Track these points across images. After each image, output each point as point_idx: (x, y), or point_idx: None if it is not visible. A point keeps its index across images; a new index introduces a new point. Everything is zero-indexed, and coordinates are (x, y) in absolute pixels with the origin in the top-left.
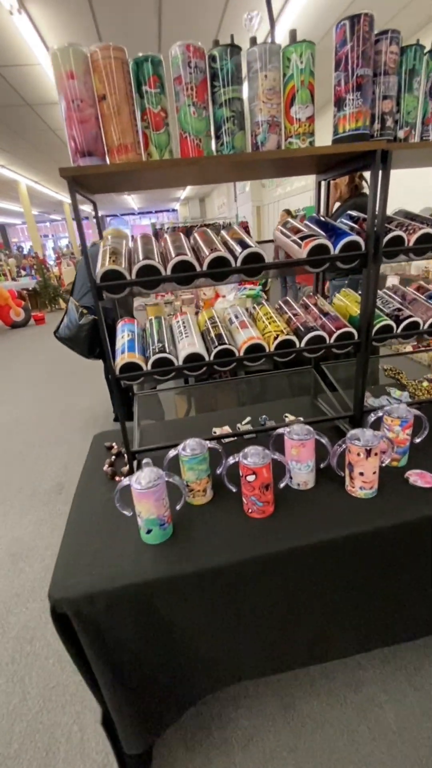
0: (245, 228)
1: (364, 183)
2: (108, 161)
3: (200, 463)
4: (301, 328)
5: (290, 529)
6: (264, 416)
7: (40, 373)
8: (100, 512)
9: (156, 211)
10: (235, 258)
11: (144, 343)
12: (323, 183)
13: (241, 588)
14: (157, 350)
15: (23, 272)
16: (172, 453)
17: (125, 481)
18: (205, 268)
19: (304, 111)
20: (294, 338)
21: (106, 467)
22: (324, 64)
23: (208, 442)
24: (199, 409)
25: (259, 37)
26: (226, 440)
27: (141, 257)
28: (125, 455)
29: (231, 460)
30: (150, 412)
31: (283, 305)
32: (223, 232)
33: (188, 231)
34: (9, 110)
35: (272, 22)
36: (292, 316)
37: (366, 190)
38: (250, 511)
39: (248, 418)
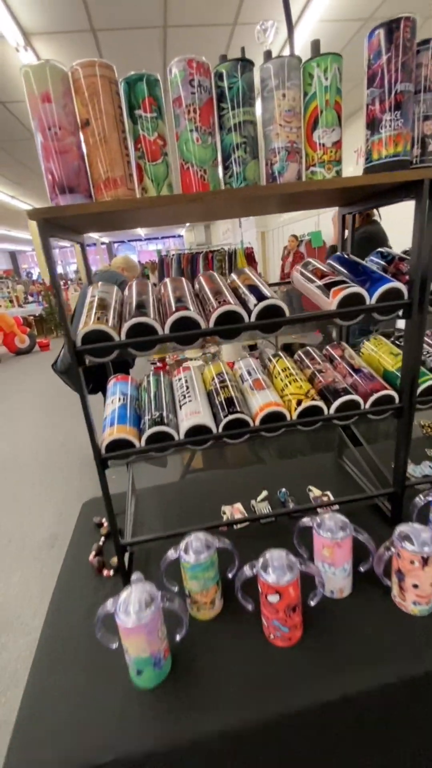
0: (250, 255)
1: (374, 209)
2: (94, 198)
3: (206, 570)
4: (329, 389)
5: (325, 665)
6: (283, 491)
7: (40, 403)
8: (79, 629)
9: (162, 237)
10: (249, 311)
11: (139, 408)
12: (348, 216)
13: (260, 758)
14: (153, 421)
15: (30, 298)
16: (171, 554)
17: (109, 605)
18: (212, 325)
19: (329, 135)
20: (321, 403)
21: (92, 556)
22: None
23: (216, 540)
24: (206, 462)
25: (272, 51)
26: (239, 525)
27: (134, 310)
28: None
29: (247, 571)
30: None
31: (303, 357)
32: (233, 276)
33: (193, 258)
34: (18, 144)
35: (291, 31)
36: (316, 373)
37: (377, 217)
38: (271, 636)
39: (264, 493)
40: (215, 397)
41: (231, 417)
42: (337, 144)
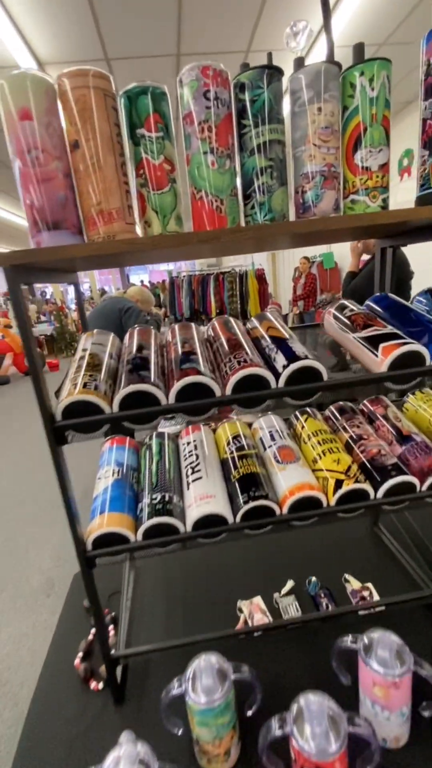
0: (261, 276)
1: None
2: (85, 235)
3: (220, 714)
4: (375, 464)
5: None
6: (314, 581)
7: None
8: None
9: None
10: (277, 374)
11: (137, 484)
12: (389, 251)
13: None
14: (153, 508)
15: (43, 318)
16: (174, 688)
17: None
18: (229, 391)
19: (375, 157)
20: (366, 486)
21: (78, 661)
22: None
23: (232, 668)
24: None
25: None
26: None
27: (131, 372)
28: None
29: (275, 728)
30: None
31: (337, 415)
32: (254, 322)
33: (204, 279)
34: None
35: (329, 33)
36: (354, 439)
37: None
38: None
39: (290, 584)
40: (231, 469)
41: (253, 504)
42: (385, 167)
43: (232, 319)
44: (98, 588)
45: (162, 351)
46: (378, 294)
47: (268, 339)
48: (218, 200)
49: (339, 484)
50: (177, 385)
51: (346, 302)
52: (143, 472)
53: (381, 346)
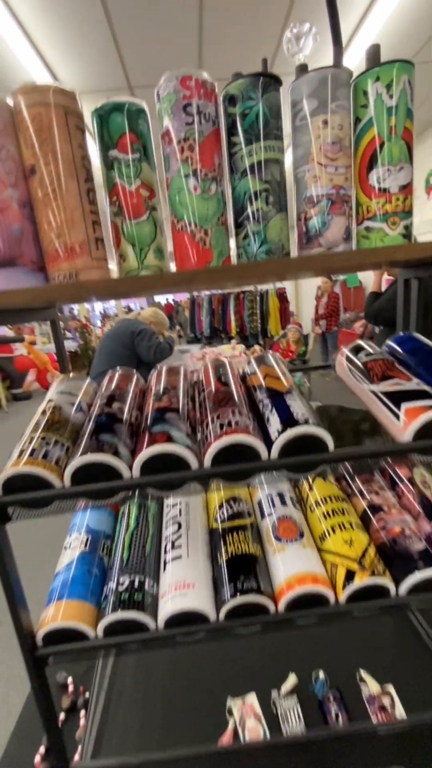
0: (282, 295)
1: None
2: (47, 273)
3: None
4: (397, 550)
5: None
6: (321, 678)
7: None
8: None
9: None
10: (270, 441)
11: (108, 557)
12: (414, 282)
13: None
14: (118, 598)
15: (68, 334)
16: None
17: None
18: (208, 463)
19: (395, 176)
20: (386, 581)
21: (38, 759)
22: None
23: None
24: None
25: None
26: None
27: (87, 438)
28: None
29: None
30: None
31: (351, 472)
32: (253, 366)
33: (224, 299)
34: None
35: (336, 34)
36: (373, 509)
37: None
38: None
39: (291, 680)
40: (220, 546)
41: (240, 600)
42: (407, 188)
43: (227, 362)
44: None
45: (139, 401)
46: (402, 334)
47: (264, 391)
48: (202, 230)
49: (350, 575)
50: (142, 455)
51: (362, 343)
52: (117, 540)
53: (404, 406)
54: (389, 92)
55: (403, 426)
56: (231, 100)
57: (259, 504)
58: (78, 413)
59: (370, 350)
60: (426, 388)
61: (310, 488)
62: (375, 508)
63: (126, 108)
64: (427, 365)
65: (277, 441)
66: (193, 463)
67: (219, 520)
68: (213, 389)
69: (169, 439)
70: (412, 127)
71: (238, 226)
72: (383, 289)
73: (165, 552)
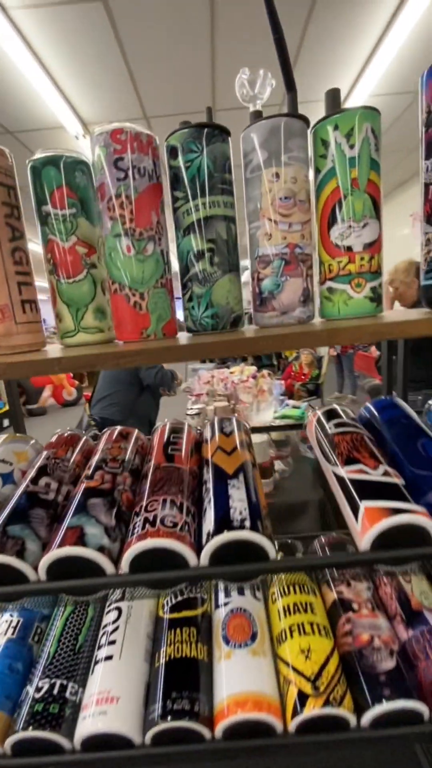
0: None
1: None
2: None
3: None
4: (363, 667)
5: None
6: None
7: None
8: None
9: None
10: (199, 547)
11: (37, 645)
12: (396, 359)
13: None
14: (31, 709)
15: None
16: None
17: None
18: (125, 567)
19: (358, 233)
20: (342, 712)
21: None
22: None
23: None
24: None
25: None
26: None
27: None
28: None
29: None
30: None
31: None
32: (209, 431)
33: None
34: None
35: (289, 79)
36: (342, 605)
37: None
38: None
39: None
40: (161, 644)
41: (168, 726)
42: (373, 246)
43: (187, 424)
44: None
45: (80, 471)
46: (383, 398)
47: (210, 469)
48: (137, 294)
49: (302, 699)
50: (47, 558)
51: (337, 408)
52: (51, 625)
53: (364, 505)
54: (350, 142)
55: (361, 530)
56: (172, 151)
57: (216, 588)
58: (6, 487)
59: (344, 418)
60: (392, 480)
61: (279, 581)
62: (344, 604)
63: (62, 161)
64: (402, 443)
65: (205, 548)
66: (108, 568)
67: (167, 606)
68: (154, 464)
69: (82, 536)
70: (379, 179)
71: (184, 286)
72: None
73: (98, 647)
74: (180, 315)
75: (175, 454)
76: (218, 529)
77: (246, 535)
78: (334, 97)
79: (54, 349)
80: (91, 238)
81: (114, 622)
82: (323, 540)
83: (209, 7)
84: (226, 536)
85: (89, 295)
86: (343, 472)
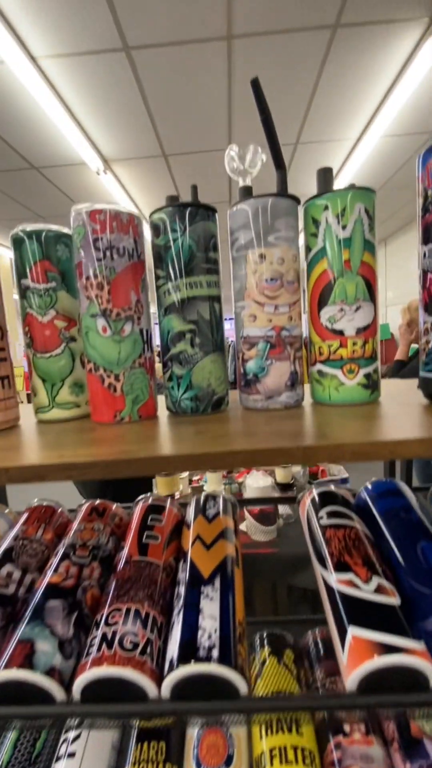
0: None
1: None
2: None
3: None
4: None
5: None
6: None
7: None
8: None
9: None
10: (161, 676)
11: None
12: None
13: None
14: None
15: None
16: None
17: None
18: (76, 695)
19: (350, 317)
20: None
21: None
22: None
23: None
24: None
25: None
26: None
27: None
28: None
29: None
30: None
31: (314, 656)
32: (192, 512)
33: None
34: None
35: (278, 159)
36: (332, 726)
37: None
38: None
39: None
40: (124, 764)
41: None
42: (367, 330)
43: (169, 502)
44: None
45: (48, 553)
46: (384, 480)
47: (186, 567)
48: (111, 375)
49: None
50: None
51: (334, 491)
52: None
53: (351, 632)
54: (341, 223)
55: (347, 663)
56: (155, 229)
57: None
58: None
59: (340, 506)
60: (387, 600)
61: (258, 675)
62: (334, 724)
63: (43, 235)
64: (400, 545)
65: (166, 680)
66: (58, 695)
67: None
68: (126, 556)
69: (31, 655)
70: (374, 260)
71: (164, 365)
72: (411, 357)
73: (56, 758)
74: None
75: (150, 544)
76: (182, 657)
77: (212, 669)
78: (325, 176)
79: (29, 426)
80: (72, 311)
81: (76, 727)
82: (317, 634)
83: (226, 54)
84: (189, 669)
85: (66, 369)
86: (333, 580)
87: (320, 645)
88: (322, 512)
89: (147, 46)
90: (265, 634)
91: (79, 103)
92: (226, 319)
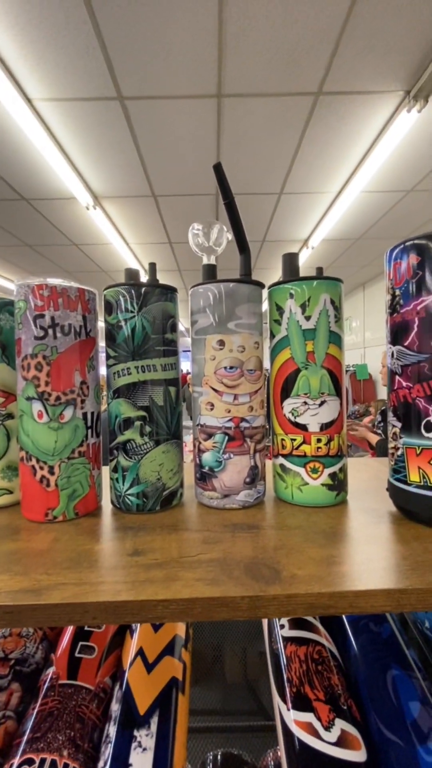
0: None
1: None
2: None
3: None
4: None
5: None
6: None
7: None
8: None
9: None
10: None
11: None
12: None
13: None
14: None
15: None
16: None
17: None
18: None
19: (314, 412)
20: None
21: None
22: None
23: None
24: None
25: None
26: None
27: None
28: None
29: None
30: None
31: None
32: None
33: None
34: (88, 275)
35: (240, 238)
36: None
37: None
38: None
39: None
40: None
41: None
42: (332, 426)
43: None
44: None
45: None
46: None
47: (119, 697)
48: (45, 467)
49: None
50: None
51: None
52: None
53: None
54: (305, 313)
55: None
56: (107, 306)
57: None
58: None
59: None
60: (348, 757)
61: None
62: None
63: None
64: (368, 672)
65: None
66: None
67: None
68: (51, 678)
69: None
70: (341, 353)
71: (110, 452)
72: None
73: None
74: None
75: (83, 660)
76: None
77: None
78: (291, 261)
79: None
80: (11, 386)
81: None
82: (278, 757)
83: (216, 110)
84: None
85: (2, 448)
86: (291, 720)
87: None
88: (284, 619)
89: (140, 98)
90: (219, 756)
91: (72, 143)
92: (183, 351)
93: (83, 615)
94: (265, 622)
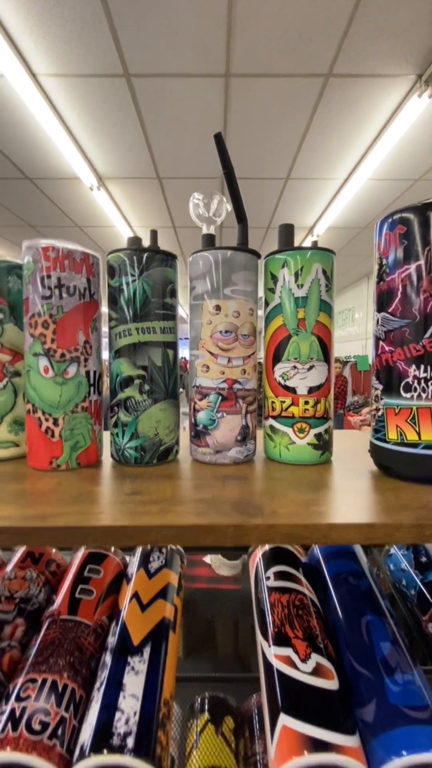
0: None
1: None
2: None
3: None
4: None
5: None
6: None
7: None
8: None
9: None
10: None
11: None
12: None
13: None
14: None
15: None
16: None
17: None
18: None
19: (303, 375)
20: None
21: None
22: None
23: None
24: None
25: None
26: None
27: None
28: None
29: None
30: None
31: (259, 742)
32: (135, 563)
33: None
34: None
35: (238, 208)
36: None
37: None
38: None
39: None
40: None
41: None
42: (320, 390)
43: (113, 552)
44: None
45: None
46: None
47: (117, 631)
48: (50, 419)
49: None
50: None
51: (288, 548)
52: None
53: (282, 721)
54: (298, 281)
55: (274, 757)
56: (110, 270)
57: None
58: None
59: (289, 567)
60: (322, 683)
61: (195, 745)
62: None
63: None
64: (345, 617)
65: None
66: None
67: None
68: (54, 613)
69: None
70: (330, 321)
71: (111, 409)
72: None
73: None
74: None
75: (82, 600)
76: (94, 744)
77: (124, 761)
78: (287, 233)
79: None
80: (18, 345)
81: None
82: (260, 701)
83: (223, 90)
84: (99, 760)
85: (7, 405)
86: (271, 654)
87: (257, 725)
88: (270, 572)
89: (147, 75)
90: (206, 698)
91: (77, 121)
92: (180, 339)
93: (85, 537)
94: (252, 573)
